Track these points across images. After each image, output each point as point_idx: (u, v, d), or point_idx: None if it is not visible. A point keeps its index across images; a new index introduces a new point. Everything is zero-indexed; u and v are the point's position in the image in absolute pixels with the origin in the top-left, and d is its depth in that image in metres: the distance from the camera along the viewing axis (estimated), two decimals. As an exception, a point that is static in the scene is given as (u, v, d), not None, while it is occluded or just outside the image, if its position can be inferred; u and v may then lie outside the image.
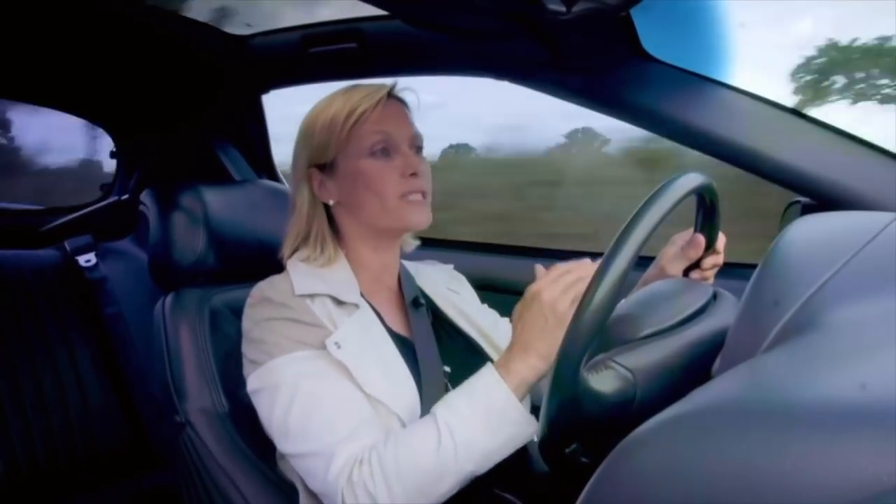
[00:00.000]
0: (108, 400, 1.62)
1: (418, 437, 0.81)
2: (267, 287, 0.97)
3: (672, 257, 0.95)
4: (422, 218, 0.98)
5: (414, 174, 0.96)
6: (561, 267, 0.84)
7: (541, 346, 0.81)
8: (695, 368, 0.70)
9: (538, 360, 0.81)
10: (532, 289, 0.83)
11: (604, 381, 0.67)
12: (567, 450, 0.71)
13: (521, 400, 0.82)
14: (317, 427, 0.85)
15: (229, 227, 1.22)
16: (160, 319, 1.20)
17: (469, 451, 0.79)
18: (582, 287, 0.76)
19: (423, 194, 0.98)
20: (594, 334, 0.66)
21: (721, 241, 0.94)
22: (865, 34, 1.56)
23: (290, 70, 1.64)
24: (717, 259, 0.94)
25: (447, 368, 0.98)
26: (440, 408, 0.82)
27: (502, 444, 0.81)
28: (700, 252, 0.92)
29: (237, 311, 0.99)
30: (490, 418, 0.80)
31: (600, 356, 0.70)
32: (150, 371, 1.19)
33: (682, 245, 0.94)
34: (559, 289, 0.81)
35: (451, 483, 0.80)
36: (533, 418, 0.82)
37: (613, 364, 0.68)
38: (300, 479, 0.93)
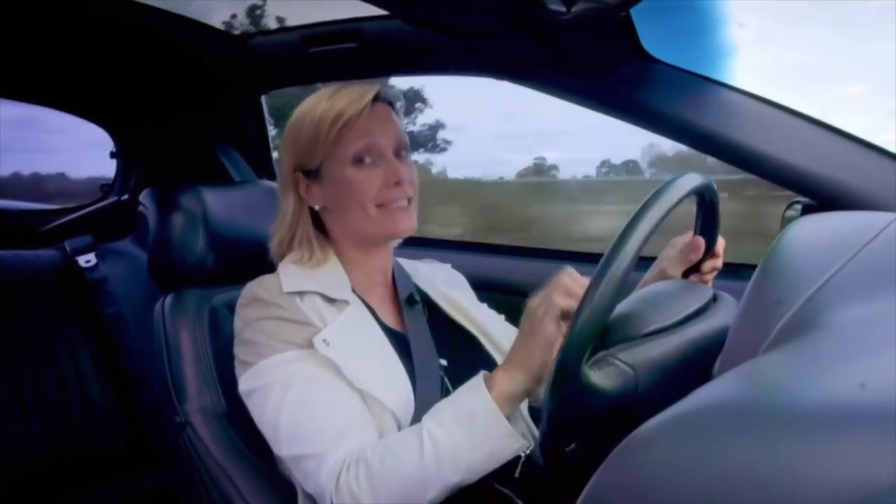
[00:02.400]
0: (108, 400, 1.62)
1: (403, 444, 0.80)
2: (257, 286, 0.97)
3: (672, 260, 0.95)
4: (406, 225, 0.97)
5: (398, 183, 0.95)
6: (564, 278, 0.81)
7: (520, 358, 0.80)
8: (696, 367, 0.70)
9: (518, 373, 0.80)
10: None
11: (606, 377, 0.67)
12: (567, 449, 0.71)
13: (509, 413, 0.80)
14: (307, 431, 0.85)
15: (229, 228, 1.22)
16: (160, 319, 1.20)
17: (453, 463, 0.78)
18: (563, 302, 0.77)
19: (409, 201, 0.97)
20: (595, 332, 0.66)
21: (720, 244, 0.93)
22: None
23: (289, 70, 1.64)
24: (717, 263, 0.94)
25: (443, 362, 0.98)
26: (428, 416, 0.81)
27: (486, 458, 0.79)
28: (700, 255, 0.92)
29: (237, 312, 0.99)
30: (474, 430, 0.78)
31: (602, 353, 0.70)
32: (150, 371, 1.20)
33: (681, 248, 0.94)
34: (541, 301, 0.79)
35: (436, 492, 0.79)
36: (519, 435, 0.80)
37: (615, 360, 0.68)
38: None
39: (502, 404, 0.79)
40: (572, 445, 0.71)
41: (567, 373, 0.66)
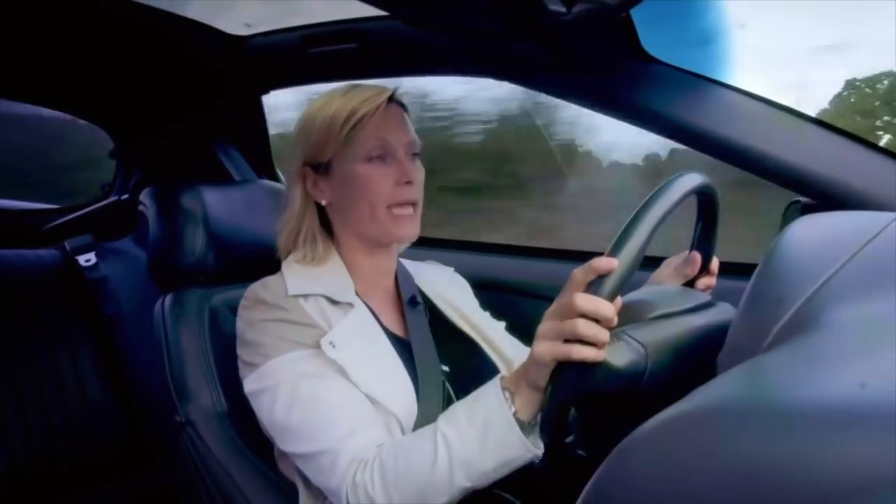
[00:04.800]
0: (108, 400, 1.62)
1: (417, 447, 0.79)
2: (260, 288, 0.97)
3: (667, 277, 0.95)
4: (409, 231, 0.97)
5: (408, 182, 0.95)
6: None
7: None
8: (701, 354, 0.70)
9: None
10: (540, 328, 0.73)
11: (617, 352, 0.67)
12: (567, 440, 0.71)
13: (528, 420, 0.77)
14: (319, 426, 0.85)
15: (229, 227, 1.22)
16: (160, 319, 1.20)
17: (465, 469, 0.77)
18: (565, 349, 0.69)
19: (414, 206, 0.97)
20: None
21: (715, 264, 0.93)
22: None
23: (290, 70, 1.64)
24: (711, 281, 0.94)
25: (445, 368, 0.98)
26: (442, 419, 0.80)
27: (499, 466, 0.77)
28: (696, 270, 0.92)
29: (237, 311, 0.99)
30: (487, 437, 0.76)
31: (613, 330, 0.70)
32: (150, 371, 1.19)
33: (676, 265, 0.94)
34: (549, 340, 0.70)
35: (447, 496, 0.78)
36: (531, 445, 0.77)
37: (626, 336, 0.68)
38: (300, 478, 0.93)
39: (523, 412, 0.76)
40: (571, 437, 0.71)
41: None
